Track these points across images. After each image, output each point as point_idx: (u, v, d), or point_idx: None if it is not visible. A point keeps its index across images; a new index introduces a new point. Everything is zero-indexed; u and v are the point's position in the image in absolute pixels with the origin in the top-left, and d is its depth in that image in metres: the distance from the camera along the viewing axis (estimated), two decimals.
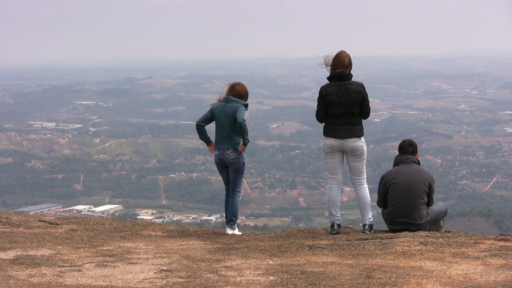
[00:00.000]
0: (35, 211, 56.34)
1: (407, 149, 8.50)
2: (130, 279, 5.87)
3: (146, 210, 65.14)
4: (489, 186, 72.13)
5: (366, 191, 8.35)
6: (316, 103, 8.26)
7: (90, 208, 64.81)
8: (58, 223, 9.10)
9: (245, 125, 8.44)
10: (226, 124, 8.57)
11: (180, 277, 5.91)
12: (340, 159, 8.30)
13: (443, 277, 5.71)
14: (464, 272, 5.90)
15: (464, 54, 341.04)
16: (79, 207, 65.04)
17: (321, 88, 8.20)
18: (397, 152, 8.70)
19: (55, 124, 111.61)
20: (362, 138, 8.20)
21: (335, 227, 8.29)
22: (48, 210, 60.96)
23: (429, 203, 8.30)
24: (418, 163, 8.48)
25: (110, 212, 61.59)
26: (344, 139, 8.11)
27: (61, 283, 5.68)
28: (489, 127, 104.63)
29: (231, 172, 8.76)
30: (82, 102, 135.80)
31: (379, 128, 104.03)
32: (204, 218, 59.07)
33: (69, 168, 79.90)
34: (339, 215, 8.37)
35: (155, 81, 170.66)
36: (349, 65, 8.12)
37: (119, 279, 5.85)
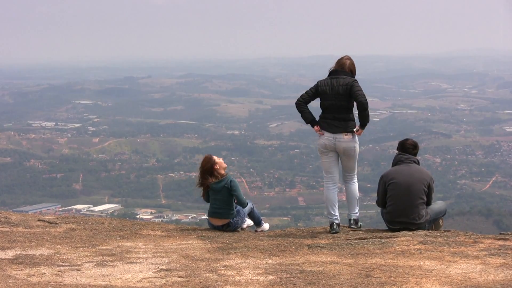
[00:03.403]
0: (34, 210, 56.37)
1: (411, 151, 8.51)
2: (129, 278, 5.86)
3: (145, 209, 65.15)
4: (488, 185, 72.18)
5: (356, 187, 8.63)
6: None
7: (89, 207, 64.81)
8: (57, 222, 9.09)
9: (247, 204, 8.90)
10: (220, 197, 8.75)
11: (179, 277, 5.91)
12: (335, 158, 8.47)
13: (442, 276, 5.71)
14: (463, 271, 5.90)
15: (463, 53, 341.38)
16: (78, 206, 65.02)
17: (318, 81, 8.48)
18: (396, 152, 8.69)
19: (54, 123, 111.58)
20: (356, 138, 8.35)
21: (334, 227, 8.37)
22: (47, 209, 60.95)
23: (428, 202, 8.31)
24: (418, 163, 8.49)
25: (109, 212, 61.59)
26: (335, 133, 8.27)
27: (60, 282, 5.68)
28: (488, 127, 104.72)
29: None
30: (81, 102, 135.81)
31: (378, 128, 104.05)
32: (203, 217, 58.86)
33: (68, 168, 79.92)
34: (337, 214, 8.45)
35: (154, 81, 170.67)
36: (349, 68, 8.39)
37: (118, 279, 5.85)
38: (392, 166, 8.56)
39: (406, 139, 8.67)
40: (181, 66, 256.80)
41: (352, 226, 8.48)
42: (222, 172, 8.81)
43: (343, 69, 8.35)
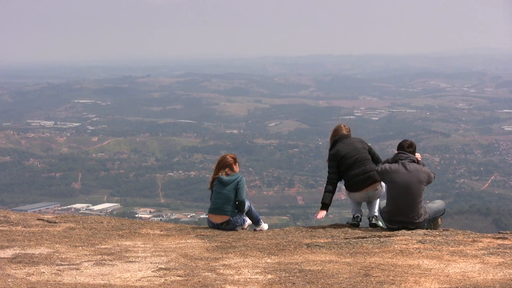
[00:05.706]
0: (33, 209, 56.31)
1: (405, 148, 8.59)
2: (128, 277, 5.86)
3: (144, 208, 65.13)
4: (487, 185, 72.21)
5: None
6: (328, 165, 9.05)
7: (88, 206, 64.80)
8: (56, 221, 9.09)
9: (245, 204, 8.83)
10: (225, 191, 8.82)
11: (178, 276, 5.90)
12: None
13: (441, 276, 5.71)
14: (462, 270, 5.90)
15: (462, 52, 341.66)
16: (77, 205, 65.02)
17: (330, 153, 9.02)
18: (395, 151, 8.74)
19: (53, 122, 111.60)
20: (382, 183, 8.78)
21: (357, 219, 8.94)
22: (46, 208, 60.92)
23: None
24: (417, 162, 8.51)
25: (108, 211, 61.56)
26: (368, 187, 8.79)
27: (59, 281, 5.67)
28: (487, 126, 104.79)
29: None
30: (80, 101, 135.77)
31: (377, 127, 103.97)
32: (202, 216, 58.93)
33: (67, 167, 79.87)
34: (361, 208, 9.05)
35: (153, 80, 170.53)
36: (348, 134, 9.18)
37: (117, 278, 5.84)
38: (392, 163, 8.59)
39: (404, 140, 8.84)
40: (180, 65, 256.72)
41: (373, 222, 8.83)
42: (234, 172, 9.05)
43: (346, 134, 9.08)
